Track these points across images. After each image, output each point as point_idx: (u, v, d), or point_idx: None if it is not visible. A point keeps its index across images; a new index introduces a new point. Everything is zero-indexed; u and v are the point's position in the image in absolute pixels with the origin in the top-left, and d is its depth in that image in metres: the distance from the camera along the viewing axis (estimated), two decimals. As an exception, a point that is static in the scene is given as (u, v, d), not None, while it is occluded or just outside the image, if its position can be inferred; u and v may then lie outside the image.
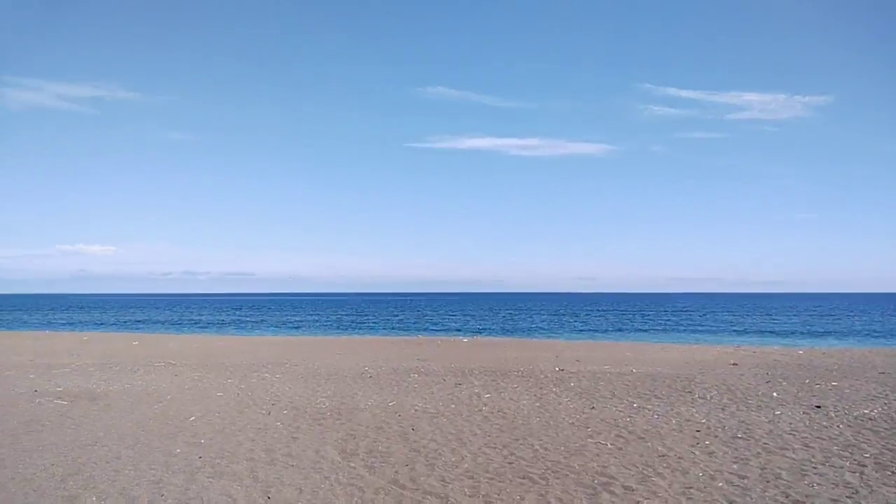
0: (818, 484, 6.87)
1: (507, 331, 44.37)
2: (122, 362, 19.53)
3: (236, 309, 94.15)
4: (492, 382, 14.92)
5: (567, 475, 7.29)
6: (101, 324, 55.64)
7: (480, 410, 11.42)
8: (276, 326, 51.50)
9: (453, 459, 7.99)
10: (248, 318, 64.48)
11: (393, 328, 48.31)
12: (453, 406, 11.86)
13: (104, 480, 7.05)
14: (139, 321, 59.18)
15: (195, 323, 56.67)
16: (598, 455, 8.21)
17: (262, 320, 61.23)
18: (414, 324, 54.25)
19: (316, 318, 64.18)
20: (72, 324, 54.75)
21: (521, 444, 8.79)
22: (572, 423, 10.35)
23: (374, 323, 56.29)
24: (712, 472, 7.37)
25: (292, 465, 7.73)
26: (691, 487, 6.80)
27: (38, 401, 12.42)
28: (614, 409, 11.62)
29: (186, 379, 15.67)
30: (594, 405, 11.98)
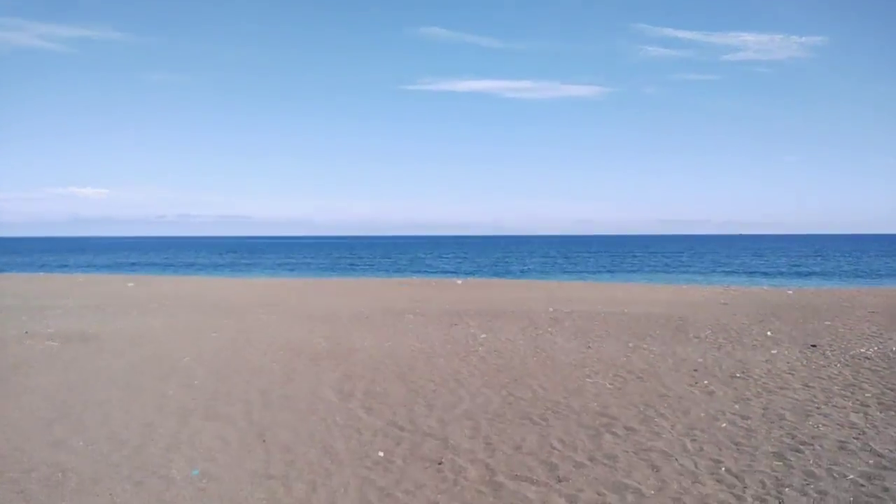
0: (823, 425, 6.76)
1: (500, 272, 44.38)
2: (116, 304, 19.36)
3: (232, 252, 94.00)
4: (487, 323, 14.82)
5: (567, 416, 7.17)
6: (96, 266, 55.43)
7: (476, 351, 11.30)
8: (272, 269, 51.40)
9: (451, 400, 7.86)
10: (243, 261, 64.37)
11: (387, 270, 48.25)
12: (449, 347, 11.74)
13: (93, 424, 6.89)
14: (134, 263, 58.98)
15: (190, 265, 56.52)
16: (597, 395, 8.10)
17: (258, 263, 61.15)
18: (408, 266, 54.23)
19: (311, 261, 64.10)
20: (66, 266, 54.49)
21: (519, 385, 8.67)
22: (569, 362, 10.25)
23: (368, 265, 56.27)
24: (714, 413, 7.26)
25: (288, 407, 7.59)
26: (694, 428, 6.69)
27: (28, 343, 12.24)
28: (610, 348, 11.54)
29: (181, 320, 15.52)
30: (590, 345, 11.88)
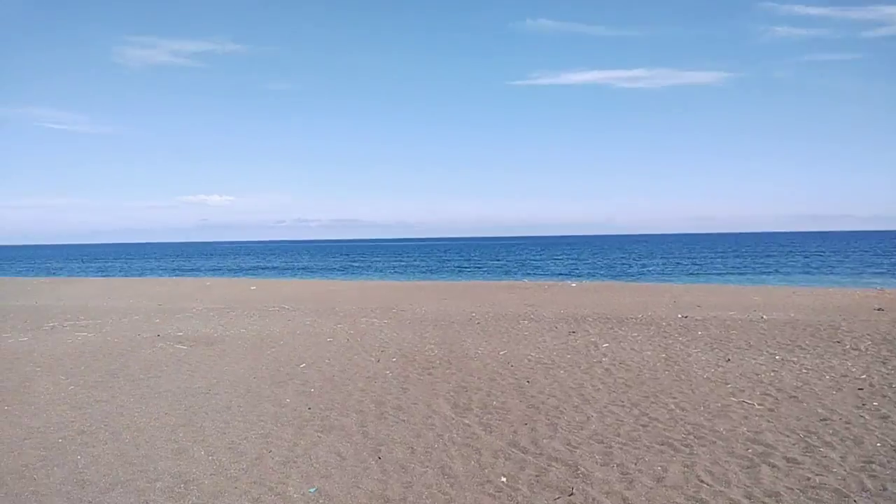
0: None
1: (618, 275, 42.58)
2: (240, 307, 20.16)
3: (345, 254, 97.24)
4: (609, 330, 13.95)
5: (714, 442, 6.33)
6: (221, 269, 59.01)
7: (600, 362, 10.55)
8: (382, 271, 52.42)
9: (577, 419, 7.22)
10: (354, 264, 66.22)
11: (497, 273, 47.76)
12: (569, 356, 11.06)
13: (214, 432, 6.88)
14: (256, 267, 62.23)
15: (306, 269, 58.80)
16: (746, 418, 7.16)
17: (368, 265, 62.67)
18: (518, 268, 53.48)
19: (419, 263, 64.90)
20: (196, 270, 58.39)
21: (652, 403, 7.88)
22: (707, 377, 9.28)
23: (477, 267, 56.09)
24: (893, 442, 6.18)
25: (403, 420, 7.27)
26: (872, 462, 5.67)
27: (159, 345, 12.83)
28: (753, 361, 10.39)
29: (298, 324, 15.82)
30: (729, 357, 10.78)
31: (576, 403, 7.89)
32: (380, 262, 70.41)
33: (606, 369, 9.95)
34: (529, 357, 11.06)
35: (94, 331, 14.93)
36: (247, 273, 52.50)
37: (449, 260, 71.12)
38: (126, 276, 50.56)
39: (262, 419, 7.40)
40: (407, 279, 41.40)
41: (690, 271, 44.89)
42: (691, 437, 6.51)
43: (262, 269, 59.72)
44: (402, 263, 65.34)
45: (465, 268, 55.38)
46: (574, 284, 30.65)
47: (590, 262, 60.88)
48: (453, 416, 7.45)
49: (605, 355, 11.10)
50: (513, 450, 6.22)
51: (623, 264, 55.56)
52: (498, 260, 68.53)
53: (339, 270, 55.15)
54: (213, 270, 57.98)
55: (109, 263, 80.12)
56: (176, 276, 48.56)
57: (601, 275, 42.80)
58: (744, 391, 8.41)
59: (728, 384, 8.83)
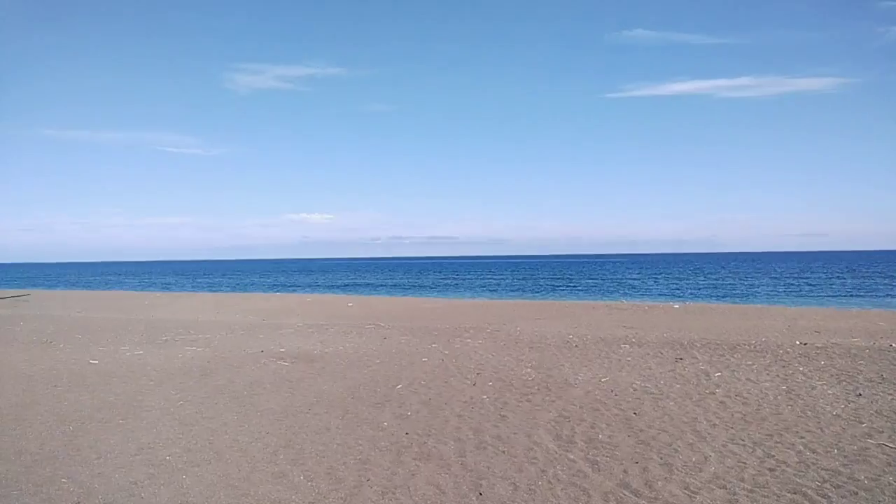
0: None
1: (723, 295, 40.25)
2: (338, 324, 20.54)
3: (438, 272, 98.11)
4: (719, 358, 13.02)
5: (856, 493, 5.57)
6: (320, 286, 60.95)
7: (713, 393, 9.78)
8: (474, 290, 52.32)
9: (694, 459, 6.62)
10: (449, 281, 66.56)
11: (592, 292, 46.49)
12: (678, 386, 10.35)
13: (313, 456, 6.84)
14: (353, 284, 63.84)
15: (400, 286, 59.68)
16: (889, 464, 6.32)
17: (462, 283, 62.78)
18: (616, 287, 51.85)
19: (514, 282, 64.31)
20: (297, 286, 60.62)
21: (777, 443, 7.13)
22: (837, 414, 8.36)
23: (571, 286, 54.87)
24: None
25: (503, 452, 6.94)
26: None
27: (263, 361, 13.17)
28: (889, 397, 9.30)
29: (394, 342, 15.85)
30: (860, 391, 9.71)
31: (690, 440, 7.27)
32: (473, 279, 70.45)
33: (721, 402, 9.19)
34: (634, 386, 10.44)
35: (203, 345, 15.59)
36: (344, 290, 53.93)
37: (542, 278, 70.09)
38: (232, 291, 53.19)
39: (360, 443, 7.30)
40: (500, 298, 41.03)
41: (803, 292, 41.78)
42: (827, 485, 5.78)
43: (359, 285, 61.20)
44: (495, 281, 65.00)
45: (559, 287, 54.30)
46: (677, 306, 29.20)
47: (692, 281, 58.14)
48: (556, 449, 7.04)
49: (717, 386, 10.30)
50: (624, 492, 5.74)
51: (728, 284, 52.59)
52: (593, 279, 66.79)
53: (432, 288, 55.60)
54: (312, 286, 60.05)
55: (217, 279, 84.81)
56: (278, 291, 50.57)
57: (705, 295, 40.61)
58: (882, 432, 7.48)
59: (862, 423, 7.90)
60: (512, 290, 50.07)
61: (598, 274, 79.13)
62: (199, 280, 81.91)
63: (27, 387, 10.62)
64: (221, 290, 53.73)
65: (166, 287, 62.78)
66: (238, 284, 66.69)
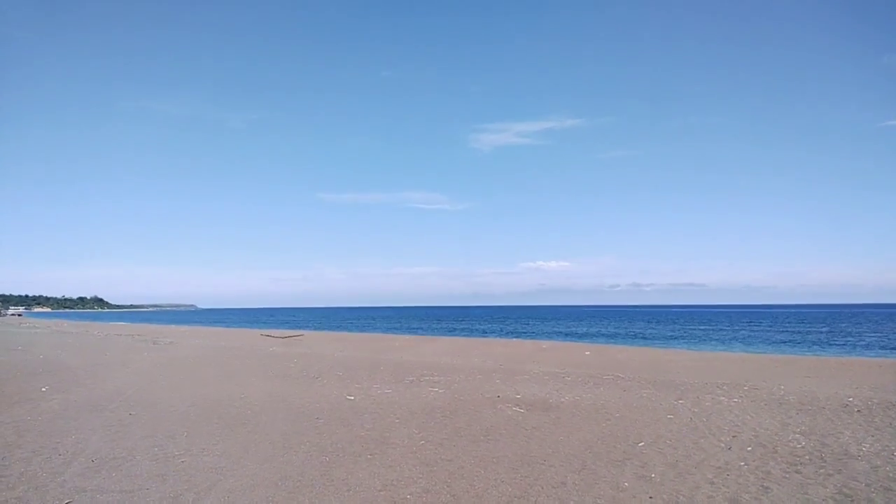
0: None
1: None
2: (574, 372, 20.02)
3: (684, 321, 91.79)
4: None
5: None
6: (557, 333, 60.58)
7: None
8: (728, 341, 47.71)
9: None
10: (697, 331, 61.77)
11: (875, 348, 39.47)
12: None
13: (549, 511, 6.52)
14: (590, 332, 62.44)
15: (641, 336, 56.80)
16: None
17: (711, 333, 57.77)
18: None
19: (775, 333, 57.46)
20: (533, 333, 61.06)
21: None
22: None
23: (851, 340, 47.27)
24: None
25: (769, 531, 5.93)
26: None
27: (499, 406, 13.22)
28: None
29: (635, 395, 14.90)
30: None
31: None
32: (724, 330, 64.46)
33: None
34: (946, 466, 8.37)
35: (443, 387, 16.21)
36: (581, 338, 52.94)
37: (811, 331, 61.52)
38: (471, 336, 55.34)
39: (598, 502, 6.80)
40: (758, 351, 36.83)
41: None
42: None
43: (596, 334, 59.61)
44: (751, 333, 58.67)
45: (835, 341, 47.06)
46: None
47: None
48: (840, 536, 5.82)
49: None
50: None
51: None
52: (877, 334, 56.65)
53: (678, 338, 51.95)
54: (548, 334, 59.96)
55: (458, 324, 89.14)
56: (515, 338, 51.41)
57: None
58: None
59: None
60: (772, 343, 44.66)
61: (886, 326, 67.23)
62: (442, 325, 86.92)
63: (295, 418, 11.90)
64: (461, 335, 56.22)
65: (413, 331, 67.67)
66: (476, 330, 69.27)
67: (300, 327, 77.69)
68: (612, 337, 55.28)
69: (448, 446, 9.53)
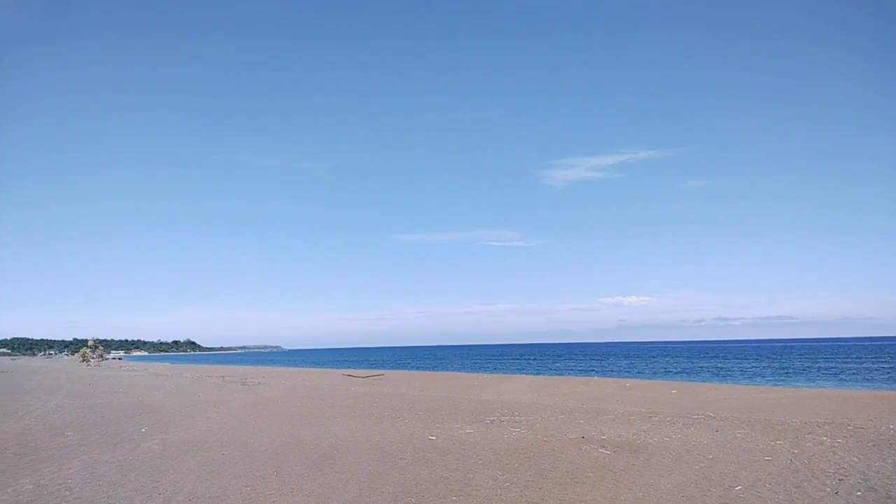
0: None
1: None
2: (661, 412, 19.31)
3: (777, 356, 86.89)
4: None
5: None
6: (640, 371, 58.61)
7: None
8: (825, 377, 44.78)
9: None
10: (790, 367, 58.33)
11: None
12: None
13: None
14: (675, 370, 60.03)
15: (729, 372, 54.11)
16: None
17: (807, 369, 54.38)
18: None
19: (878, 368, 53.47)
20: (614, 371, 59.29)
21: None
22: None
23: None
24: None
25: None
26: None
27: (584, 447, 12.90)
28: None
29: (728, 436, 14.21)
30: None
31: None
32: (819, 365, 60.58)
33: None
34: None
35: (525, 427, 15.98)
36: (665, 375, 50.96)
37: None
38: (549, 374, 54.35)
39: (695, 550, 6.52)
40: (859, 388, 34.36)
41: None
42: None
43: (681, 371, 57.24)
44: (848, 367, 54.85)
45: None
46: None
47: None
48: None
49: None
50: None
51: None
52: None
53: (770, 375, 49.19)
54: (631, 371, 58.10)
55: (536, 362, 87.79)
56: (595, 375, 50.07)
57: None
58: None
59: None
60: (873, 380, 41.53)
61: None
62: (520, 363, 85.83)
63: (379, 458, 12.03)
64: (540, 373, 55.31)
65: (490, 369, 67.14)
66: (556, 368, 67.97)
67: (379, 366, 78.76)
68: (698, 374, 52.91)
69: (533, 489, 9.39)
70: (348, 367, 74.51)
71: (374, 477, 10.31)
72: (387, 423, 17.09)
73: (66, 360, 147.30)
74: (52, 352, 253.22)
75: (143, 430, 16.08)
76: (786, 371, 53.09)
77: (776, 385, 37.09)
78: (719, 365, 66.52)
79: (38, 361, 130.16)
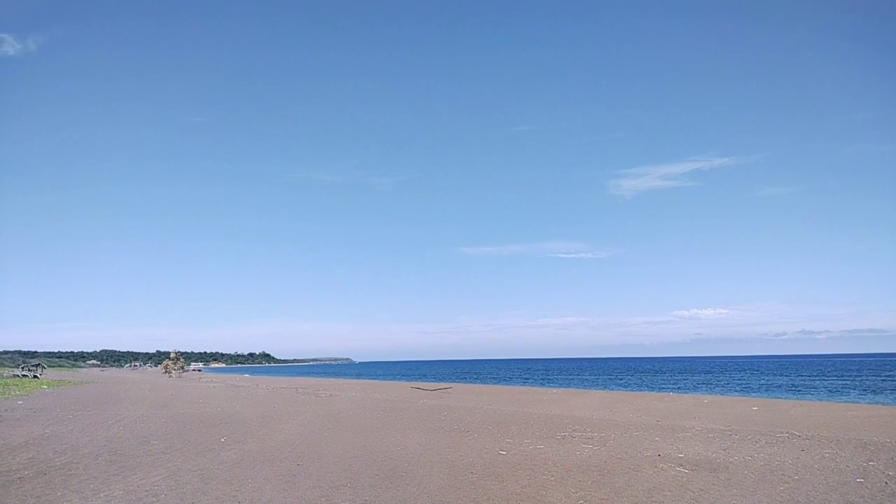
0: None
1: None
2: (742, 429, 18.52)
3: (865, 371, 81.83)
4: None
5: None
6: (719, 386, 56.38)
7: None
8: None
9: None
10: (881, 383, 54.79)
11: None
12: None
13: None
14: (755, 385, 57.42)
15: (814, 388, 51.33)
16: None
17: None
18: None
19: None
20: (692, 386, 57.20)
21: None
22: None
23: None
24: None
25: None
26: None
27: (660, 466, 12.51)
28: None
29: (814, 455, 13.48)
30: None
31: None
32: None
33: None
34: None
35: (598, 444, 15.65)
36: (746, 391, 48.81)
37: None
38: (621, 389, 53.01)
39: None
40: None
41: None
42: None
43: (763, 387, 54.69)
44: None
45: None
46: None
47: None
48: None
49: None
50: None
51: None
52: None
53: (856, 391, 46.36)
54: (708, 386, 55.97)
55: (608, 376, 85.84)
56: (671, 391, 48.47)
57: None
58: None
59: None
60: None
61: None
62: (590, 377, 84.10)
63: (449, 472, 12.03)
64: (612, 388, 54.03)
65: (560, 383, 66.07)
66: (627, 383, 66.23)
67: (447, 380, 78.92)
68: (781, 389, 50.43)
69: (608, 506, 9.17)
70: (416, 380, 75.03)
71: (445, 491, 10.32)
72: (456, 437, 17.09)
73: (150, 371, 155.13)
74: (137, 363, 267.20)
75: (221, 439, 16.68)
76: (874, 387, 49.91)
77: (867, 402, 34.90)
78: (803, 380, 63.22)
79: (125, 373, 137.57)
